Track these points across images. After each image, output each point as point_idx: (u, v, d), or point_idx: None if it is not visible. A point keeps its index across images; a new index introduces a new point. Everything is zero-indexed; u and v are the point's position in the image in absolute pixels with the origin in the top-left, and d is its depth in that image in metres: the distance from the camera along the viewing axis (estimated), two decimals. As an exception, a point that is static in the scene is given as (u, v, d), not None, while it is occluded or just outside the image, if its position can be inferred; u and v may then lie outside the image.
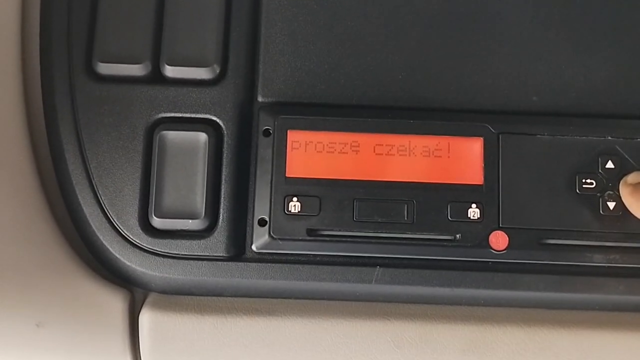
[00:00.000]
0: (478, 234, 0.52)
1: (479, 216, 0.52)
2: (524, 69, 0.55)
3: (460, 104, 0.54)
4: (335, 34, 0.55)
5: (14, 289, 0.52)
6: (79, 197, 0.53)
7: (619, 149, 0.53)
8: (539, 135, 0.53)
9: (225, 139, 0.54)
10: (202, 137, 0.53)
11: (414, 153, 0.53)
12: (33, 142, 0.55)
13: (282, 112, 0.53)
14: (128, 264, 0.53)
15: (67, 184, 0.54)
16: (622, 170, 0.52)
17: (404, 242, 0.52)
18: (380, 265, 0.52)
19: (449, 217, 0.52)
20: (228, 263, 0.52)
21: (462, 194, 0.52)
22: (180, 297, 0.54)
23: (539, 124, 0.53)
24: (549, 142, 0.53)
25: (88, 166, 0.53)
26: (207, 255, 0.52)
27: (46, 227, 0.53)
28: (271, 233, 0.52)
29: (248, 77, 0.55)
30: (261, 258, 0.53)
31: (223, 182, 0.53)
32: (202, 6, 0.55)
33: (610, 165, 0.52)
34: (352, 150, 0.53)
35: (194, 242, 0.53)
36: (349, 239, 0.52)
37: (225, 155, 0.53)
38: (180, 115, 0.54)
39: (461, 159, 0.53)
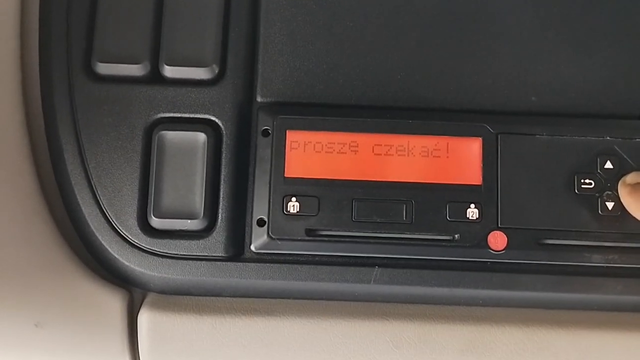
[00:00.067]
0: (477, 234, 0.52)
1: (477, 216, 0.52)
2: (522, 69, 0.55)
3: (459, 104, 0.54)
4: (334, 34, 0.55)
5: (12, 289, 0.52)
6: (78, 197, 0.53)
7: (617, 149, 0.53)
8: (537, 136, 0.53)
9: (224, 139, 0.54)
10: (201, 137, 0.53)
11: (412, 153, 0.53)
12: (32, 142, 0.55)
13: (281, 112, 0.53)
14: (127, 264, 0.53)
15: (66, 184, 0.54)
16: (621, 171, 0.52)
17: (403, 242, 0.52)
18: (379, 266, 0.52)
19: (448, 217, 0.52)
20: (227, 263, 0.52)
21: (461, 194, 0.52)
22: (179, 297, 0.54)
23: (538, 124, 0.53)
24: (548, 142, 0.53)
25: (87, 166, 0.53)
26: (206, 256, 0.52)
27: (45, 227, 0.53)
28: (270, 233, 0.52)
29: (247, 77, 0.55)
30: (260, 258, 0.53)
31: (222, 182, 0.53)
32: (201, 6, 0.55)
33: (609, 165, 0.52)
34: (351, 151, 0.53)
35: (193, 242, 0.53)
36: (347, 239, 0.52)
37: (224, 155, 0.53)
38: (179, 115, 0.54)
39: (460, 159, 0.53)
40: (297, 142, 0.53)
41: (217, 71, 0.54)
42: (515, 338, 0.53)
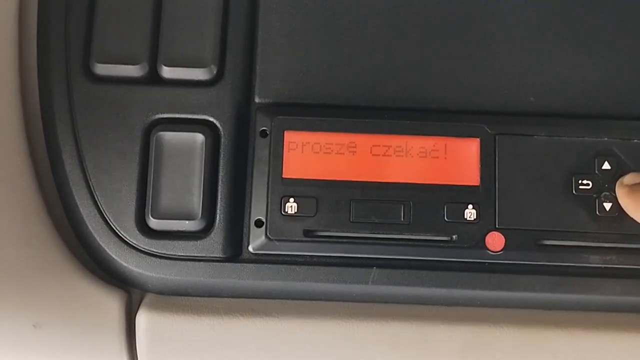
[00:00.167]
0: (474, 235, 0.52)
1: (475, 217, 0.52)
2: (520, 69, 0.55)
3: (457, 104, 0.54)
4: (332, 35, 0.55)
5: (11, 290, 0.52)
6: (76, 198, 0.53)
7: (615, 150, 0.53)
8: (535, 136, 0.53)
9: (222, 139, 0.54)
10: (199, 137, 0.53)
11: (410, 154, 0.53)
12: (30, 143, 0.55)
13: (279, 112, 0.53)
14: (125, 264, 0.53)
15: (64, 185, 0.54)
16: (619, 171, 0.52)
17: (401, 243, 0.52)
18: (377, 266, 0.52)
19: (446, 218, 0.52)
20: (225, 264, 0.52)
21: (459, 194, 0.52)
22: (177, 297, 0.54)
23: (536, 124, 0.53)
24: (546, 143, 0.53)
25: (85, 167, 0.53)
26: (204, 256, 0.52)
27: (43, 228, 0.53)
28: (268, 234, 0.52)
29: (245, 78, 0.55)
30: (258, 259, 0.53)
31: (220, 183, 0.53)
32: (199, 7, 0.55)
33: (606, 166, 0.52)
34: (349, 151, 0.53)
35: (191, 243, 0.53)
36: (345, 240, 0.52)
37: (222, 156, 0.53)
38: (177, 116, 0.54)
39: (458, 160, 0.53)
40: (295, 142, 0.53)
41: (215, 72, 0.54)
42: (514, 339, 0.53)
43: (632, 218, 0.51)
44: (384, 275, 0.52)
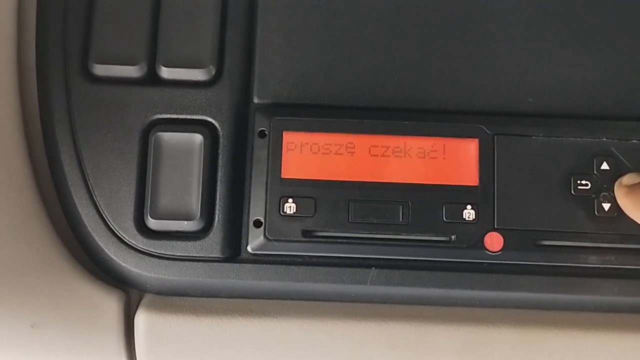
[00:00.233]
0: (473, 235, 0.52)
1: (474, 217, 0.52)
2: (519, 70, 0.55)
3: (456, 105, 0.54)
4: (330, 36, 0.55)
5: (9, 290, 0.52)
6: (75, 198, 0.53)
7: (614, 150, 0.53)
8: (534, 137, 0.53)
9: (221, 140, 0.54)
10: (198, 138, 0.53)
11: (409, 154, 0.53)
12: (29, 144, 0.55)
13: (277, 113, 0.53)
14: (123, 265, 0.53)
15: (63, 185, 0.54)
16: (617, 172, 0.52)
17: (399, 243, 0.52)
18: (376, 267, 0.52)
19: (444, 219, 0.52)
20: (223, 264, 0.52)
21: (458, 195, 0.52)
22: (176, 298, 0.54)
23: (534, 125, 0.53)
24: (544, 144, 0.53)
25: (84, 167, 0.53)
26: (203, 257, 0.53)
27: (42, 229, 0.53)
28: (266, 234, 0.52)
29: (244, 79, 0.55)
30: (256, 259, 0.53)
31: (218, 183, 0.53)
32: (197, 7, 0.55)
33: (605, 166, 0.52)
34: (348, 152, 0.53)
35: (190, 244, 0.53)
36: (344, 240, 0.52)
37: (220, 156, 0.53)
38: (175, 116, 0.54)
39: (456, 160, 0.53)
40: (293, 143, 0.53)
41: (213, 72, 0.54)
42: (512, 339, 0.53)
43: (630, 218, 0.51)
44: (383, 275, 0.52)
